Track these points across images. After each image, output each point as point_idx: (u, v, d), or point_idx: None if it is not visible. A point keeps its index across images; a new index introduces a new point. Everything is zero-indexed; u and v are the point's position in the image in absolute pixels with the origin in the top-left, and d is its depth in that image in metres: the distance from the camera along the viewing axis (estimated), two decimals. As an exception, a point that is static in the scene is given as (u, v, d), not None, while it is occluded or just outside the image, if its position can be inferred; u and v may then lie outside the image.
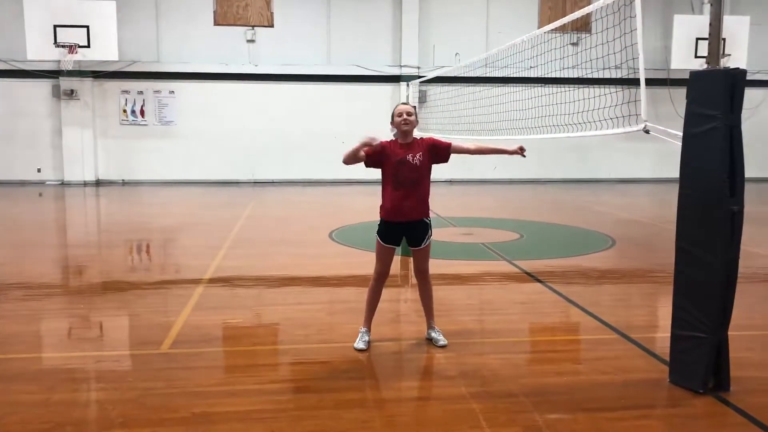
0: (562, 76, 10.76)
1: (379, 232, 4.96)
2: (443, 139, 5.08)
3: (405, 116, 4.86)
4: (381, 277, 5.04)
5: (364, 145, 4.70)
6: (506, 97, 11.50)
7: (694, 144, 4.10)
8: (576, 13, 7.71)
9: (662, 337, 4.92)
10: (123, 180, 18.82)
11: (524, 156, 5.07)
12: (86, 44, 16.30)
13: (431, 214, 5.08)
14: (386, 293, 6.82)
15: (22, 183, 18.26)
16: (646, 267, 8.31)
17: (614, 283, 7.49)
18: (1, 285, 7.03)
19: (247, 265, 7.97)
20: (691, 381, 4.15)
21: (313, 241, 9.73)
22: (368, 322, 5.08)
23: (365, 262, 8.27)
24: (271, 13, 18.96)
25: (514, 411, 3.88)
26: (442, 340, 5.02)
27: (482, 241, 9.63)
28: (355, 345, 4.93)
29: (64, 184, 18.31)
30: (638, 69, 6.33)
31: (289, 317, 5.85)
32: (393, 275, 7.88)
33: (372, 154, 4.81)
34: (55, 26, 16.15)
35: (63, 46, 16.21)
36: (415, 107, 5.04)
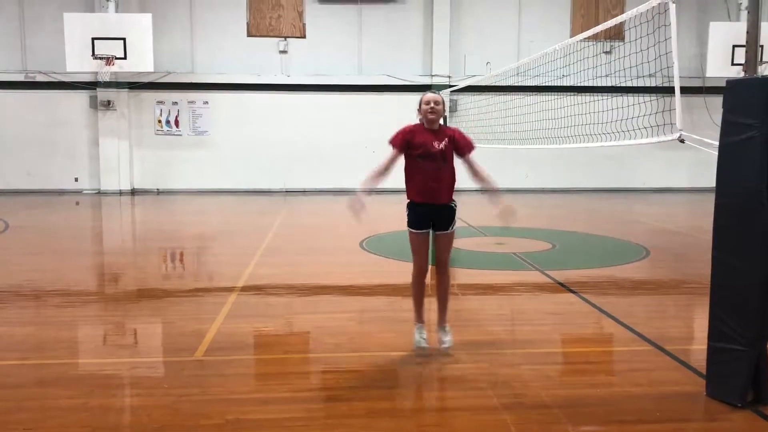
0: (595, 84, 10.69)
1: (409, 223, 4.98)
2: (468, 141, 5.10)
3: (433, 105, 4.91)
4: (422, 272, 5.04)
5: (355, 207, 4.86)
6: (538, 106, 11.45)
7: (731, 153, 4.03)
8: (609, 21, 7.66)
9: (698, 349, 4.83)
10: (158, 189, 19.12)
11: (505, 215, 5.24)
12: (123, 56, 16.63)
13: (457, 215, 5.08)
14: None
15: (61, 192, 18.66)
16: (681, 278, 8.18)
17: (648, 294, 7.38)
18: (40, 292, 7.19)
19: (278, 274, 8.03)
20: (729, 394, 4.07)
21: (344, 249, 9.76)
22: (420, 317, 5.08)
23: (396, 272, 8.29)
24: (304, 24, 19.15)
25: (547, 422, 3.85)
26: (448, 342, 4.99)
27: (514, 250, 9.57)
28: (415, 344, 4.94)
29: (100, 193, 18.67)
30: (673, 77, 6.26)
31: (320, 326, 5.88)
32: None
33: (398, 140, 4.88)
34: (93, 39, 16.52)
35: (100, 58, 16.56)
36: (443, 98, 5.07)
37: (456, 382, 4.56)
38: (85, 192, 18.80)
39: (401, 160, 4.99)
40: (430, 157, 4.87)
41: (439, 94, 5.04)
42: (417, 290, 5.08)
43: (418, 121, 5.03)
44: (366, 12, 19.20)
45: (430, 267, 5.19)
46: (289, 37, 19.12)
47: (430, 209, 4.94)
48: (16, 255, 9.51)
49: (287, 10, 19.07)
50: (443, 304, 5.13)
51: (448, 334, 5.05)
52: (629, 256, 9.34)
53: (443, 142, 4.90)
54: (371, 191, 4.95)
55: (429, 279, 5.28)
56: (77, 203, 16.83)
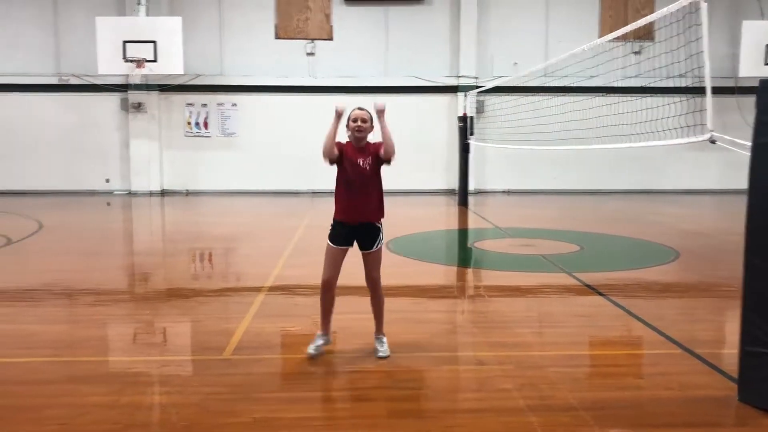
0: (623, 85, 10.58)
1: (330, 236, 4.98)
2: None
3: (360, 123, 4.86)
4: (329, 284, 4.99)
5: (338, 115, 4.79)
6: (566, 107, 11.36)
7: (764, 154, 3.97)
8: (638, 21, 7.58)
9: (730, 353, 4.76)
10: (187, 190, 19.35)
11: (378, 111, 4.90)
12: (153, 59, 16.86)
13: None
14: (441, 304, 6.84)
15: (92, 193, 18.97)
16: (711, 280, 8.06)
17: (678, 297, 7.29)
18: (72, 291, 7.32)
19: (305, 274, 8.07)
20: (761, 399, 4.00)
21: (371, 251, 9.78)
22: (323, 328, 5.05)
23: (420, 272, 8.31)
24: (331, 26, 19.24)
25: (574, 425, 3.83)
26: (383, 351, 4.96)
27: (541, 252, 9.51)
28: (308, 349, 4.93)
29: (131, 194, 18.95)
30: (704, 77, 6.18)
31: (345, 326, 5.90)
32: (447, 286, 7.89)
33: (337, 148, 4.84)
34: (124, 42, 16.78)
35: (131, 61, 16.80)
36: (371, 115, 4.94)
37: (482, 384, 4.55)
38: (116, 193, 19.09)
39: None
40: (355, 175, 4.85)
41: (366, 110, 4.94)
42: (323, 302, 5.05)
43: (348, 138, 4.97)
44: (392, 13, 19.23)
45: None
46: (316, 39, 19.23)
47: (354, 228, 4.92)
48: (49, 254, 9.70)
49: (314, 13, 19.18)
50: (378, 318, 5.13)
51: (384, 344, 5.02)
52: (658, 258, 9.23)
53: (368, 159, 4.87)
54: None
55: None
56: (108, 204, 17.10)
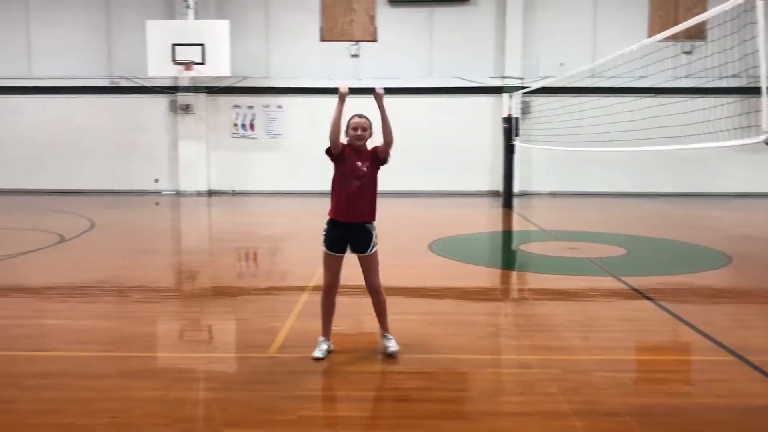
0: (673, 86, 10.37)
1: (325, 243, 5.05)
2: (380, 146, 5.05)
3: (360, 131, 4.94)
4: (331, 289, 5.09)
5: (341, 97, 4.84)
6: (614, 108, 11.18)
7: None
8: (690, 21, 7.41)
9: (784, 361, 4.63)
10: (233, 190, 19.65)
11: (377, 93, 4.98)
12: (201, 61, 17.19)
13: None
14: (485, 307, 6.81)
15: (141, 193, 19.42)
16: (766, 286, 7.83)
17: (730, 303, 7.10)
18: (123, 288, 7.51)
19: (348, 274, 8.10)
20: (816, 409, 3.88)
21: (412, 252, 9.79)
22: (325, 331, 5.11)
23: (464, 274, 8.27)
24: (375, 28, 19.31)
25: (619, 431, 3.77)
26: (392, 346, 4.98)
27: (587, 255, 9.37)
28: (313, 355, 4.95)
29: (178, 194, 19.33)
30: (759, 77, 6.01)
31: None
32: (491, 289, 7.84)
33: (341, 147, 4.90)
34: (173, 45, 17.15)
35: (180, 64, 17.17)
36: (370, 122, 5.01)
37: (526, 387, 4.51)
38: (164, 193, 19.50)
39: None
40: (353, 177, 4.92)
41: (366, 118, 5.02)
42: (324, 306, 5.12)
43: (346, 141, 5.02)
44: (437, 14, 19.20)
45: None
46: (360, 41, 19.32)
47: (347, 229, 4.97)
48: (101, 252, 9.96)
49: (359, 15, 19.27)
50: (381, 318, 5.16)
51: (391, 340, 5.05)
52: (709, 262, 9.01)
53: (366, 163, 4.94)
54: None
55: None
56: (157, 204, 17.47)
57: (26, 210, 15.52)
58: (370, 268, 5.06)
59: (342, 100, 4.88)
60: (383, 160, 5.03)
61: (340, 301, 6.88)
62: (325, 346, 5.05)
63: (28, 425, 3.86)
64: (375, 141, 5.05)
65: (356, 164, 4.93)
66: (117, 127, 19.50)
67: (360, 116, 5.01)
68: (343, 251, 5.06)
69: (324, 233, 5.09)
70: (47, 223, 12.84)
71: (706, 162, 18.59)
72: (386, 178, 20.09)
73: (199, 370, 4.81)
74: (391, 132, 4.97)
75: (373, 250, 5.03)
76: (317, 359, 4.92)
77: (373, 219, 5.07)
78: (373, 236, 5.04)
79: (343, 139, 5.00)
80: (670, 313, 6.32)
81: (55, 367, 4.81)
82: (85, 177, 19.51)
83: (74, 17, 19.34)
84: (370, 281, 5.08)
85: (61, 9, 19.31)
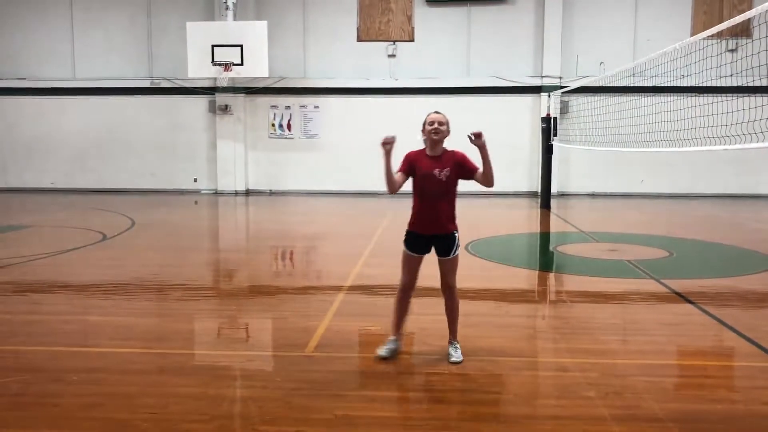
0: (718, 84, 10.14)
1: (406, 242, 4.90)
2: (474, 162, 4.85)
3: (437, 125, 4.72)
4: (407, 290, 4.96)
5: (386, 147, 4.59)
6: (655, 108, 10.97)
7: None
8: (735, 18, 7.23)
9: (833, 368, 4.49)
10: (270, 190, 19.83)
11: (476, 138, 4.70)
12: (240, 62, 17.39)
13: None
14: (524, 308, 6.75)
15: (181, 192, 19.74)
16: (813, 291, 7.60)
17: (776, 308, 6.91)
18: (163, 285, 7.64)
19: (384, 274, 8.12)
20: None
21: (450, 252, 9.74)
22: (395, 330, 4.99)
23: (501, 276, 8.21)
24: (412, 28, 19.29)
25: (662, 437, 3.69)
26: (456, 356, 4.83)
27: (628, 258, 9.22)
28: (378, 352, 4.87)
29: (217, 193, 19.59)
30: (807, 76, 5.84)
31: (424, 327, 5.90)
32: (529, 291, 7.77)
33: (406, 168, 4.75)
34: (212, 46, 17.39)
35: (219, 65, 17.40)
36: (447, 119, 4.84)
37: (564, 390, 4.45)
38: (203, 192, 19.78)
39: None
40: (430, 187, 4.75)
41: (443, 114, 4.84)
42: (398, 305, 4.99)
43: (422, 143, 4.85)
44: (474, 13, 19.10)
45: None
46: (397, 41, 19.32)
47: (429, 238, 4.84)
48: (142, 250, 10.14)
49: (396, 14, 19.28)
50: (452, 323, 5.02)
51: (458, 350, 4.90)
52: (754, 266, 8.78)
53: (445, 170, 4.74)
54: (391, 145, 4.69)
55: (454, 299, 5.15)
56: (196, 203, 17.73)
57: (69, 209, 15.90)
58: (449, 270, 4.93)
59: (387, 153, 4.66)
60: (466, 177, 4.83)
61: (377, 300, 6.92)
62: (393, 346, 4.96)
63: (74, 418, 3.94)
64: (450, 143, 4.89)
65: (432, 173, 4.77)
66: (157, 127, 19.87)
67: (437, 112, 4.87)
68: (425, 252, 4.92)
69: (405, 237, 4.95)
70: (90, 222, 13.13)
71: (752, 163, 18.14)
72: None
73: (236, 368, 4.86)
74: (493, 176, 4.78)
75: (456, 253, 4.90)
76: (382, 358, 4.85)
77: (455, 228, 4.90)
78: (457, 240, 4.90)
79: (420, 143, 4.87)
80: (713, 317, 6.18)
81: (98, 363, 4.91)
82: (126, 176, 19.92)
83: (116, 19, 19.77)
84: (447, 281, 4.95)
85: (103, 11, 19.74)
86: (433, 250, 4.95)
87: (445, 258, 4.89)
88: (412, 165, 4.81)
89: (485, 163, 4.76)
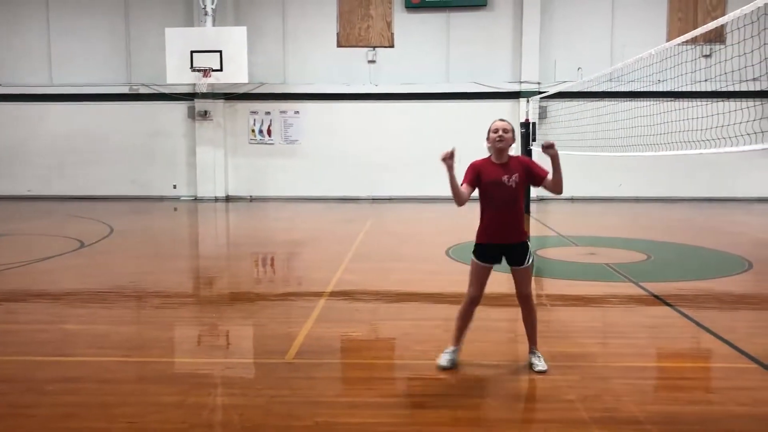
0: (693, 89, 10.27)
1: (475, 252, 4.83)
2: (542, 167, 4.84)
3: (501, 132, 4.68)
4: (474, 301, 4.87)
5: (447, 162, 4.52)
6: (632, 113, 11.11)
7: None
8: (709, 24, 7.34)
9: (808, 368, 4.55)
10: (251, 196, 19.75)
11: (547, 149, 4.65)
12: (219, 68, 17.33)
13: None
14: (505, 312, 6.77)
15: (160, 198, 19.59)
16: (788, 293, 7.72)
17: (752, 309, 7.01)
18: (141, 293, 7.57)
19: (366, 280, 8.13)
20: (841, 418, 3.81)
21: (430, 257, 9.77)
22: (456, 341, 4.92)
23: (483, 280, 8.22)
24: (392, 34, 19.35)
25: (641, 439, 3.72)
26: (541, 365, 4.78)
27: (606, 261, 9.30)
28: (439, 362, 4.81)
29: (197, 199, 19.47)
30: (779, 81, 5.94)
31: (406, 332, 5.91)
32: (509, 295, 7.80)
33: (471, 179, 4.71)
34: (191, 52, 17.31)
35: (198, 71, 17.32)
36: (512, 126, 4.83)
37: (544, 394, 4.47)
38: (182, 198, 19.65)
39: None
40: (500, 195, 4.69)
41: (507, 121, 4.81)
42: (462, 317, 4.90)
43: (488, 152, 4.82)
44: (454, 19, 19.20)
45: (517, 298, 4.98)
46: (377, 46, 19.36)
47: (502, 248, 4.77)
48: (119, 258, 10.05)
49: (376, 20, 19.33)
50: (531, 333, 4.94)
51: (540, 358, 4.85)
52: (730, 268, 8.90)
53: (514, 176, 4.67)
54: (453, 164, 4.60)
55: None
56: (175, 209, 17.60)
57: (47, 216, 15.71)
58: (524, 279, 4.83)
59: (449, 168, 4.54)
60: (535, 183, 4.79)
61: (358, 306, 6.91)
62: (454, 356, 4.85)
63: (50, 429, 3.89)
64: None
65: (501, 180, 4.66)
66: (136, 133, 19.72)
67: (502, 120, 4.83)
68: (496, 262, 4.81)
69: (474, 247, 4.86)
70: (67, 229, 12.98)
71: (728, 166, 18.41)
72: (406, 184, 20.34)
73: (216, 376, 4.82)
74: (562, 184, 4.72)
75: (530, 262, 4.79)
76: (444, 369, 4.76)
77: (527, 236, 4.81)
78: (530, 249, 4.81)
79: (485, 151, 4.81)
80: (691, 319, 6.25)
81: (75, 372, 4.85)
82: (105, 183, 19.74)
83: (94, 25, 19.61)
84: (522, 291, 4.84)
85: (81, 17, 19.58)
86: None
87: (518, 268, 4.80)
88: (478, 174, 4.74)
89: (556, 171, 4.72)
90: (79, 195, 19.50)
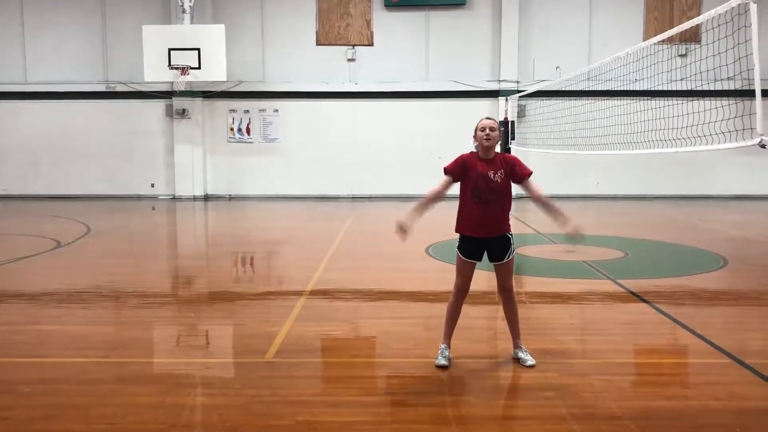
0: (669, 88, 10.40)
1: (459, 247, 4.94)
2: (527, 166, 4.96)
3: (488, 131, 4.80)
4: (461, 293, 4.98)
5: (400, 234, 4.86)
6: (609, 111, 11.21)
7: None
8: (685, 24, 7.44)
9: (781, 363, 4.63)
10: (230, 195, 19.64)
11: (573, 236, 4.99)
12: (197, 66, 17.19)
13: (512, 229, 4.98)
14: (484, 310, 6.81)
15: (138, 197, 19.40)
16: (762, 288, 7.84)
17: (727, 305, 7.11)
18: (119, 293, 7.49)
19: (346, 279, 8.12)
20: (814, 411, 3.89)
21: (410, 255, 9.78)
22: (448, 339, 5.01)
23: (463, 278, 8.25)
24: (371, 32, 19.34)
25: (619, 434, 3.76)
26: (530, 360, 4.86)
27: (584, 258, 9.38)
28: (437, 362, 4.87)
29: (175, 198, 19.31)
30: (753, 80, 6.03)
31: (386, 330, 5.92)
32: (489, 292, 7.84)
33: (455, 169, 4.85)
34: (169, 50, 17.14)
35: (176, 68, 17.16)
36: (497, 123, 4.95)
37: (523, 391, 4.51)
38: (160, 197, 19.48)
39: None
40: (485, 190, 4.79)
41: (493, 119, 4.93)
42: (451, 310, 5.00)
43: (473, 149, 4.92)
44: (433, 18, 19.24)
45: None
46: (357, 45, 19.34)
47: (484, 242, 4.87)
48: (97, 257, 9.94)
49: (355, 19, 19.31)
50: (515, 329, 5.03)
51: (528, 353, 4.92)
52: (706, 265, 9.02)
53: (499, 172, 4.80)
54: (418, 218, 4.90)
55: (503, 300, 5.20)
56: (153, 208, 17.45)
57: (22, 215, 15.50)
58: (506, 274, 4.94)
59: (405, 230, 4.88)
60: (516, 181, 4.90)
61: (338, 305, 6.90)
62: (447, 353, 4.93)
63: (26, 431, 3.84)
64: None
65: (488, 174, 4.77)
66: (113, 132, 19.51)
67: (488, 118, 4.94)
68: (478, 259, 4.93)
69: (458, 242, 4.96)
70: (43, 229, 12.81)
71: (703, 164, 18.66)
72: (386, 183, 20.32)
73: (196, 376, 4.79)
74: (540, 203, 4.98)
75: (511, 257, 4.91)
76: (443, 367, 4.81)
77: (509, 230, 4.93)
78: (512, 243, 4.91)
79: (472, 147, 4.93)
80: (668, 316, 6.33)
81: (53, 374, 4.79)
82: (82, 182, 19.51)
83: (69, 22, 19.36)
84: (504, 285, 4.96)
85: (56, 14, 19.31)
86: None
87: (500, 263, 4.91)
88: (465, 167, 4.85)
89: (551, 209, 5.02)
90: (56, 194, 19.25)
